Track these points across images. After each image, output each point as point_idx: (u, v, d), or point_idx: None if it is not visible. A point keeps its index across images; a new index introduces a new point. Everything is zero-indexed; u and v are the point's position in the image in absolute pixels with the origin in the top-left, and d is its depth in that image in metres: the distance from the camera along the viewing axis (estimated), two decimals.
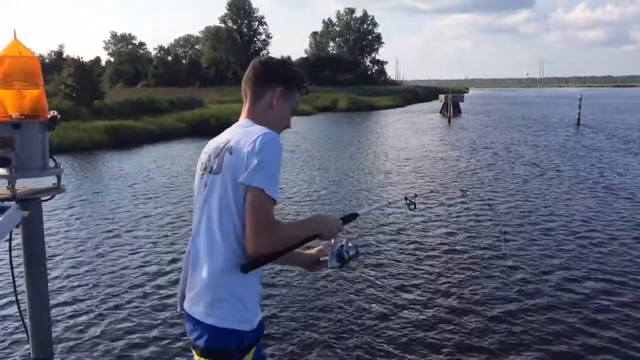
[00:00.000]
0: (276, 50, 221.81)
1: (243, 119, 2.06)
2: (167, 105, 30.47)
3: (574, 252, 7.51)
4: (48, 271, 2.85)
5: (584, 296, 5.95)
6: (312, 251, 2.29)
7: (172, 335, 5.11)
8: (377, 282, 6.49)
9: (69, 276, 6.74)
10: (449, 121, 34.05)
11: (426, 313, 5.58)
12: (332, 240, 2.10)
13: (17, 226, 2.44)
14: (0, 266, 6.74)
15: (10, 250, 2.56)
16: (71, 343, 4.99)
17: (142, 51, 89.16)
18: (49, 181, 2.76)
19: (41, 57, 65.21)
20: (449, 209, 10.07)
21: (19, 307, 2.68)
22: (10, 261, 2.57)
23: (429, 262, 7.19)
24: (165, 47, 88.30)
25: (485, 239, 8.22)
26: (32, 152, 2.54)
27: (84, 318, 5.52)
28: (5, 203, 2.42)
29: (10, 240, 2.49)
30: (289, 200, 11.00)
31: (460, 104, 43.62)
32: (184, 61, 78.78)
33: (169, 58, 78.11)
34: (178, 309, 2.07)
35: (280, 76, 2.08)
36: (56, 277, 6.64)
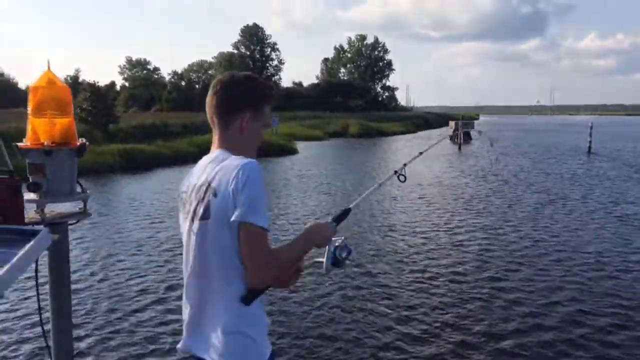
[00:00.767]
0: (288, 75, 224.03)
1: (216, 149, 1.99)
2: (180, 130, 30.85)
3: (584, 283, 7.45)
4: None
5: (594, 329, 5.88)
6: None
7: None
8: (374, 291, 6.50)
9: (84, 298, 6.82)
10: (459, 148, 34.10)
11: (420, 328, 5.58)
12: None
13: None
14: (21, 288, 6.83)
15: (36, 271, 2.65)
16: None
17: (156, 76, 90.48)
18: (74, 205, 2.87)
19: None
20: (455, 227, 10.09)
21: (42, 329, 2.77)
22: (37, 284, 2.67)
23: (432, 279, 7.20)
24: (179, 72, 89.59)
25: (493, 271, 8.22)
26: (62, 178, 2.66)
27: (103, 339, 5.59)
28: (35, 227, 2.53)
29: (37, 263, 2.59)
30: (293, 227, 11.06)
31: (471, 131, 43.69)
32: (197, 86, 79.80)
33: (183, 83, 79.20)
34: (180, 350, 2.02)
35: (247, 100, 1.99)
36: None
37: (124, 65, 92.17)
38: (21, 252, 2.18)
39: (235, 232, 1.80)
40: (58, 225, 2.61)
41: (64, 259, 2.73)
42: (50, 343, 2.72)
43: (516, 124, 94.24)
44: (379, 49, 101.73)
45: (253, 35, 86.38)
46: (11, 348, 5.32)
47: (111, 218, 12.13)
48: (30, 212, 2.64)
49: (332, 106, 74.11)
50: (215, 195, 1.84)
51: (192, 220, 1.91)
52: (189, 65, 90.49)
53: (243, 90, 1.99)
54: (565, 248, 9.30)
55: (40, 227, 2.60)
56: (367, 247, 9.41)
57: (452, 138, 41.45)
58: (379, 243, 9.73)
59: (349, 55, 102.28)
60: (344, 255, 2.11)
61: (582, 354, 5.25)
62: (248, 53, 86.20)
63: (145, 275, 7.80)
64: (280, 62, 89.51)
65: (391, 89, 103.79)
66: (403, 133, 57.03)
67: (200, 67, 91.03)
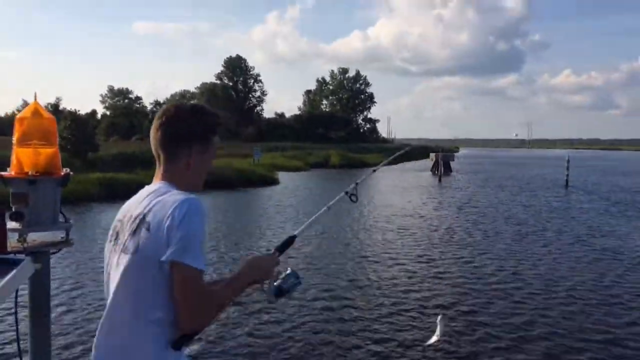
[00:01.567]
0: (270, 106, 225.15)
1: (158, 182, 1.85)
2: None
3: (559, 316, 7.52)
4: None
5: None
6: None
7: None
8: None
9: (64, 327, 6.71)
10: (440, 180, 34.46)
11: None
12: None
13: None
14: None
15: (16, 300, 2.66)
16: None
17: (138, 105, 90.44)
18: (56, 234, 2.89)
19: None
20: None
21: (20, 356, 2.75)
22: (16, 312, 2.67)
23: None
24: (161, 101, 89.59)
25: (469, 303, 8.27)
26: (45, 207, 2.69)
27: None
28: (17, 256, 2.54)
29: (16, 291, 2.59)
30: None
31: (451, 162, 44.25)
32: None
33: None
34: None
35: (193, 133, 1.85)
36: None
37: (106, 94, 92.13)
38: (3, 282, 2.20)
39: (166, 272, 1.65)
40: (40, 254, 2.63)
41: (45, 288, 2.73)
42: None
43: (495, 157, 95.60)
44: (361, 81, 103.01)
45: (236, 67, 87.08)
46: None
47: (90, 246, 11.98)
48: (12, 241, 2.65)
49: (314, 137, 74.57)
50: (148, 229, 1.70)
51: (119, 249, 1.77)
52: (171, 95, 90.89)
53: (189, 124, 1.84)
54: (541, 280, 9.41)
55: (22, 256, 2.62)
56: (339, 278, 9.40)
57: (432, 169, 41.94)
58: (352, 273, 9.75)
59: (331, 87, 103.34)
60: (288, 284, 2.00)
61: None
62: (231, 84, 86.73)
63: None
64: (263, 93, 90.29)
65: (372, 121, 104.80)
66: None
67: (183, 97, 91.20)
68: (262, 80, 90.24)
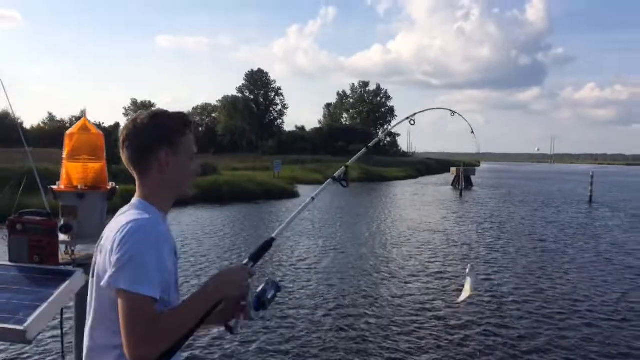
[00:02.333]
0: (291, 119, 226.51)
1: (134, 198, 1.79)
2: None
3: (580, 335, 7.42)
4: None
5: None
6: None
7: None
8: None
9: None
10: (461, 194, 34.27)
11: None
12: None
13: None
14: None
15: (62, 312, 2.73)
16: None
17: None
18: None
19: (62, 121, 67.42)
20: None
21: None
22: (62, 323, 2.74)
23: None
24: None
25: (490, 320, 8.21)
26: (92, 220, 2.78)
27: None
28: (67, 267, 2.63)
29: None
30: (286, 269, 11.08)
31: (472, 177, 44.00)
32: (200, 128, 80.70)
33: None
34: None
35: (156, 139, 1.76)
36: None
37: (129, 106, 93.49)
38: (58, 291, 2.29)
39: (115, 298, 1.56)
40: (87, 266, 2.71)
41: None
42: None
43: (517, 172, 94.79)
44: (381, 95, 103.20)
45: (258, 80, 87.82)
46: None
47: None
48: (60, 253, 2.74)
49: (334, 150, 74.70)
50: (100, 252, 1.66)
51: (90, 276, 1.74)
52: (193, 108, 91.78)
53: (149, 132, 1.77)
54: (562, 300, 9.26)
55: (70, 267, 2.70)
56: (357, 294, 9.38)
57: (453, 184, 41.75)
58: (370, 290, 9.74)
59: (351, 100, 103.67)
60: (269, 296, 1.83)
61: None
62: (252, 97, 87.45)
63: None
64: (284, 106, 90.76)
65: (393, 135, 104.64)
66: (405, 178, 57.38)
67: (204, 110, 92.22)
68: (283, 94, 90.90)
